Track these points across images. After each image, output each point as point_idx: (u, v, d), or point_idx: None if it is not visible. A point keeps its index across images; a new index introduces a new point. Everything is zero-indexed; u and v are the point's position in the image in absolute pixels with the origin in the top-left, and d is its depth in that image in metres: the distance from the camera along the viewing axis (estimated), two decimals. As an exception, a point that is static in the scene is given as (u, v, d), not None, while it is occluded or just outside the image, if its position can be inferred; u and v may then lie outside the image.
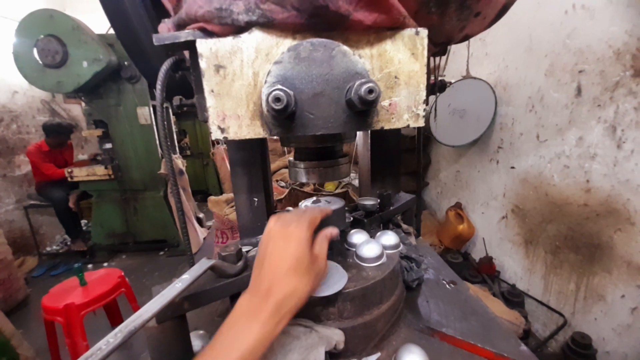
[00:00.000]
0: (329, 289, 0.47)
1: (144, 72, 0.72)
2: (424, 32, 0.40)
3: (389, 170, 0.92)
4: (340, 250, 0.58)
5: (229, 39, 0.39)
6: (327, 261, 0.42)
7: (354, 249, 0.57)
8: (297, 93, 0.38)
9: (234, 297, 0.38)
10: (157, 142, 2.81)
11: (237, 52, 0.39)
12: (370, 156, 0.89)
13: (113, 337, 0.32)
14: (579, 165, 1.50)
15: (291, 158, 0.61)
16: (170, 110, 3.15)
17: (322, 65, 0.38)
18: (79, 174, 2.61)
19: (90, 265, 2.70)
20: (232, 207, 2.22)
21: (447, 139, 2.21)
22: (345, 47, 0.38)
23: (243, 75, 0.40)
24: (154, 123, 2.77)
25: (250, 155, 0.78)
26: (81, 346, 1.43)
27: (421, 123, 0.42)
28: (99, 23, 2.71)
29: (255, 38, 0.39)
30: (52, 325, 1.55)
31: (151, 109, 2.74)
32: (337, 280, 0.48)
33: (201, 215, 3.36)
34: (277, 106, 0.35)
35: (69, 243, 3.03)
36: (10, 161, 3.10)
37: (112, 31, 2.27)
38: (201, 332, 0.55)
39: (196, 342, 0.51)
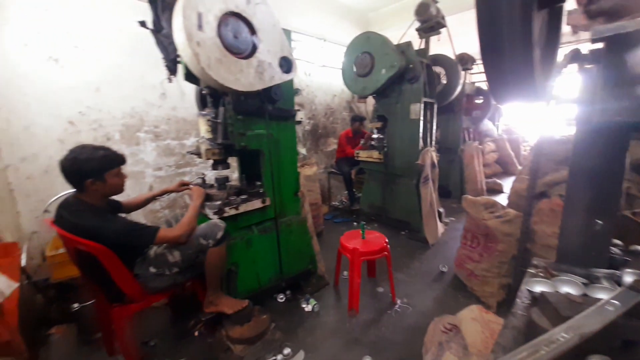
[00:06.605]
0: None
1: (500, 89, 0.76)
2: None
3: None
4: None
5: None
6: None
7: None
8: None
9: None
10: (420, 135, 3.11)
11: None
12: None
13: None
14: None
15: None
16: (435, 107, 3.35)
17: None
18: (362, 155, 3.51)
19: (355, 224, 3.64)
20: (492, 212, 2.04)
21: None
22: None
23: None
24: (421, 118, 3.08)
25: (606, 164, 0.63)
26: (355, 282, 1.98)
27: None
28: (394, 35, 3.32)
29: None
30: (340, 256, 2.27)
31: (422, 105, 3.05)
32: None
33: (441, 209, 3.42)
34: None
35: (344, 202, 4.24)
36: (324, 142, 4.76)
37: (403, 40, 2.69)
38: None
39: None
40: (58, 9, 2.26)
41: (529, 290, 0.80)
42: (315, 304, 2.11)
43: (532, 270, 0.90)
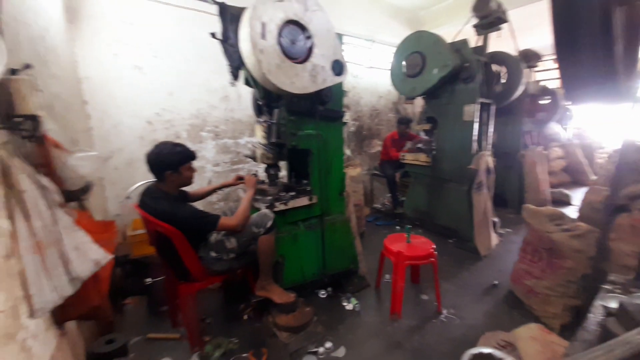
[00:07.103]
0: None
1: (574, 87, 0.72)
2: None
3: None
4: None
5: None
6: None
7: None
8: None
9: None
10: (474, 138, 2.93)
11: None
12: None
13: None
14: None
15: None
16: (493, 108, 3.13)
17: None
18: (409, 158, 3.43)
19: (397, 227, 3.56)
20: (558, 225, 1.85)
21: None
22: None
23: None
24: (476, 120, 2.90)
25: None
26: (398, 285, 1.95)
27: None
28: (448, 33, 3.19)
29: None
30: (383, 258, 2.25)
31: (478, 106, 2.87)
32: None
33: (496, 219, 3.17)
34: None
35: (386, 204, 4.16)
36: (369, 143, 4.73)
37: (458, 37, 2.59)
38: None
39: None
40: (141, 24, 2.63)
41: (603, 305, 0.73)
42: (356, 304, 2.12)
43: (607, 287, 0.82)
